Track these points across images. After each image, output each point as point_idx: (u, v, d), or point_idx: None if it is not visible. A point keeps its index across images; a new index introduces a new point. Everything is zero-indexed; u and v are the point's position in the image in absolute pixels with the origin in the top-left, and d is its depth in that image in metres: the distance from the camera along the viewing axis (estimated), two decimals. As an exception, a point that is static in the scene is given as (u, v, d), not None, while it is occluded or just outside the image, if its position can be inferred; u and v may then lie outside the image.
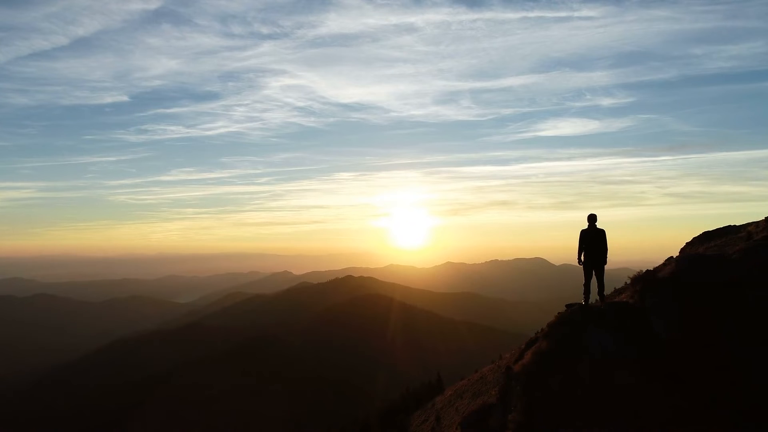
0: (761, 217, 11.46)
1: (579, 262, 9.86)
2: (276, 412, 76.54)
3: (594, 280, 9.79)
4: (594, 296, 10.22)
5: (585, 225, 9.83)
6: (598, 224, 9.85)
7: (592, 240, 9.62)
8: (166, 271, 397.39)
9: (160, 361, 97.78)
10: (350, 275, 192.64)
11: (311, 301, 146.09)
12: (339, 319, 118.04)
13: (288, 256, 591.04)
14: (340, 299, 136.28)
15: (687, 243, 13.49)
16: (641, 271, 8.99)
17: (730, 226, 13.12)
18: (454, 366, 70.30)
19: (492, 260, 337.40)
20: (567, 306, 9.59)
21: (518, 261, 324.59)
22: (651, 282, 8.57)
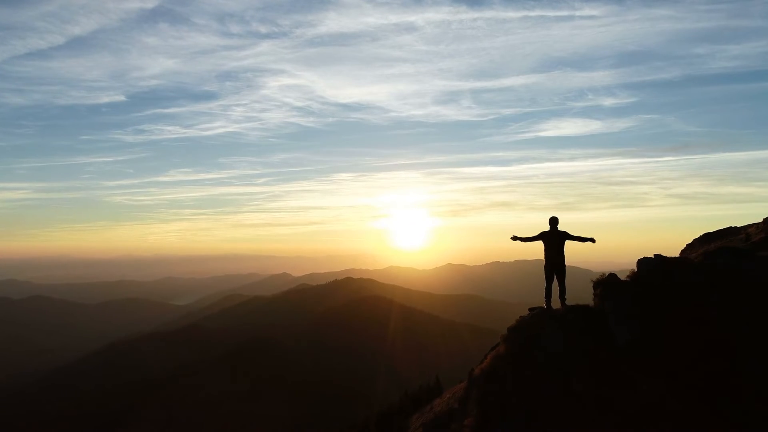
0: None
1: (513, 238, 9.83)
2: (274, 415, 75.85)
3: (556, 283, 9.63)
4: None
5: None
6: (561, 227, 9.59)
7: (553, 243, 9.40)
8: (164, 273, 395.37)
9: (158, 364, 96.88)
10: (350, 277, 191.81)
11: (310, 303, 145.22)
12: (338, 322, 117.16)
13: (287, 258, 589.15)
14: (340, 301, 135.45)
15: (687, 245, 13.44)
16: (604, 274, 8.89)
17: (730, 227, 13.13)
18: (455, 369, 69.25)
19: (493, 262, 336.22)
20: (530, 309, 9.48)
21: (520, 263, 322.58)
22: (611, 285, 8.55)
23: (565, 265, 9.56)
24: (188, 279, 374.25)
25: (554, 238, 9.44)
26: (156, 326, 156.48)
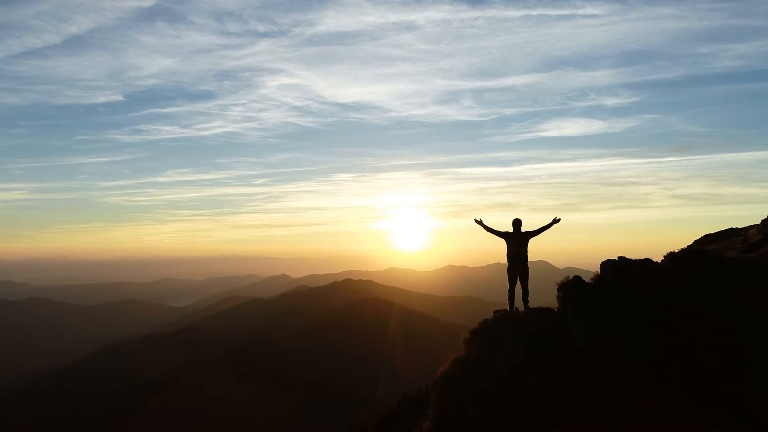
0: (768, 220, 11.34)
1: (476, 221, 9.75)
2: (273, 418, 75.20)
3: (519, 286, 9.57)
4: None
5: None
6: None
7: (516, 245, 9.38)
8: (161, 274, 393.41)
9: (155, 366, 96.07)
10: (349, 278, 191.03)
11: (309, 305, 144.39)
12: (338, 324, 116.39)
13: (286, 259, 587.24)
14: (339, 303, 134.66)
15: (687, 246, 13.07)
16: (568, 277, 8.85)
17: (731, 228, 13.17)
18: (458, 372, 68.53)
19: (494, 263, 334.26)
20: (494, 312, 9.52)
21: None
22: (573, 287, 8.55)
23: (528, 268, 9.51)
24: (186, 280, 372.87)
25: (518, 239, 9.40)
26: (153, 328, 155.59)
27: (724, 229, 13.54)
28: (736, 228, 13.07)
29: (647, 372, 6.82)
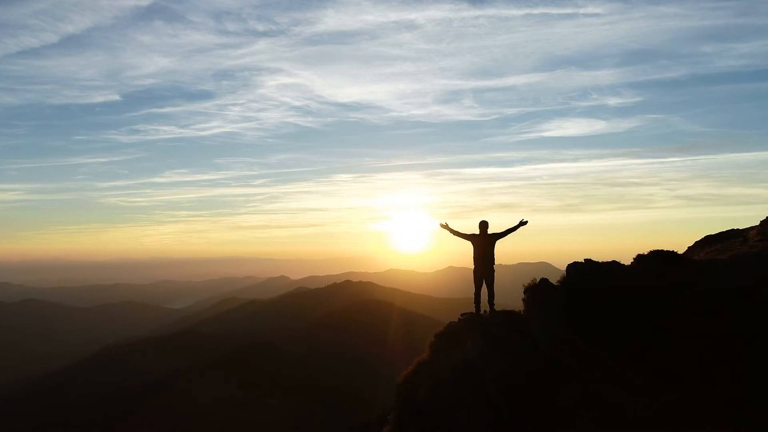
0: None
1: (442, 225, 9.59)
2: (271, 422, 74.67)
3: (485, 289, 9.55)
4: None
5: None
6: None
7: (483, 247, 9.35)
8: (159, 276, 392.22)
9: (153, 369, 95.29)
10: (349, 280, 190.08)
11: (309, 307, 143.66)
12: (337, 326, 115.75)
13: (285, 261, 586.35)
14: (339, 305, 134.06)
15: (689, 247, 13.48)
16: (535, 279, 8.93)
17: (732, 229, 13.16)
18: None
19: (495, 264, 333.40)
20: (461, 315, 9.54)
21: (522, 265, 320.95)
22: (538, 290, 8.53)
23: (494, 270, 9.53)
24: (184, 282, 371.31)
25: (484, 241, 9.39)
26: (151, 330, 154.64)
27: (725, 230, 13.41)
28: (737, 229, 12.99)
29: (610, 375, 6.73)
